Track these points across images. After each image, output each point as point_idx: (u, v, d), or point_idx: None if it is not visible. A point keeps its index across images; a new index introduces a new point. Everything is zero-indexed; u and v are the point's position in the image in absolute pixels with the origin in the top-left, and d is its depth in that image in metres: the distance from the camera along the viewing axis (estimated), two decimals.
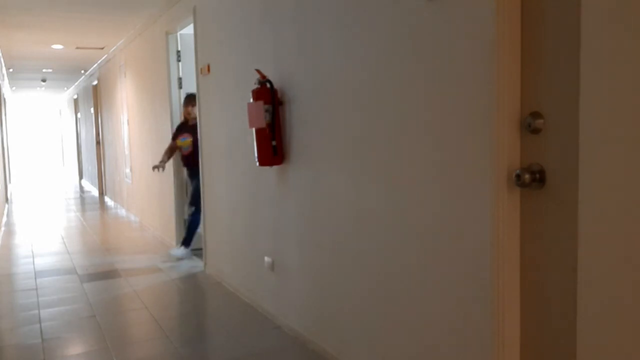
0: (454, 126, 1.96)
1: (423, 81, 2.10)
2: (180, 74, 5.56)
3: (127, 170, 8.23)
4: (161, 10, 5.54)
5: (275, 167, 3.35)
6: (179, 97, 5.61)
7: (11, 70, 10.65)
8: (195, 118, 5.04)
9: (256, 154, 3.26)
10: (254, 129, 3.24)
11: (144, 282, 4.57)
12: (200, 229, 5.19)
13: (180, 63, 5.56)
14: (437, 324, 2.12)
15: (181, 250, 5.30)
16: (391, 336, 2.40)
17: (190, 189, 5.36)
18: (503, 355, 1.84)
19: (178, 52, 5.55)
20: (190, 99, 5.26)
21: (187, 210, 5.40)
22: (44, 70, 10.88)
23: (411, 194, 2.20)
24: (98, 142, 11.14)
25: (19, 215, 8.79)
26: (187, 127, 5.30)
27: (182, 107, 5.44)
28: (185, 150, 5.31)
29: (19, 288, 4.51)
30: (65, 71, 11.10)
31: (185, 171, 5.48)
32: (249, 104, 3.27)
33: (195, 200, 5.24)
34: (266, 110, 3.16)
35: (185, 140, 5.28)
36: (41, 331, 3.47)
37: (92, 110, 11.34)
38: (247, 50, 3.69)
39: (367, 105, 2.45)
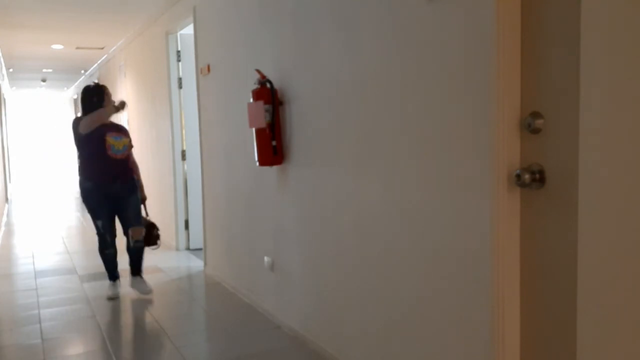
0: (454, 126, 1.96)
1: (423, 81, 2.10)
2: (180, 74, 5.56)
3: None
4: (161, 10, 5.54)
5: (275, 167, 3.35)
6: (179, 97, 5.61)
7: (11, 70, 10.66)
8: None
9: (256, 154, 3.26)
10: (254, 129, 3.25)
11: None
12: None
13: (180, 63, 5.56)
14: (437, 324, 2.12)
15: (147, 284, 4.24)
16: (390, 335, 2.40)
17: (128, 207, 4.12)
18: (503, 356, 1.84)
19: (178, 52, 5.56)
20: (105, 89, 4.08)
21: (135, 235, 4.13)
22: (44, 70, 10.88)
23: (411, 194, 2.20)
24: None
25: (19, 215, 8.78)
26: (107, 125, 4.02)
27: (104, 99, 4.02)
28: (118, 153, 3.99)
29: (19, 288, 4.51)
30: (65, 71, 11.11)
31: (109, 184, 4.01)
32: (249, 104, 3.27)
33: (139, 218, 4.20)
34: (266, 110, 3.16)
35: (121, 140, 4.01)
36: (41, 331, 3.47)
37: None
38: (247, 50, 3.69)
39: (367, 105, 2.45)
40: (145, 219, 4.32)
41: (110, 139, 3.96)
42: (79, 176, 4.07)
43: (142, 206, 4.29)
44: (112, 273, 4.23)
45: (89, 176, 4.00)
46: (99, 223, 4.06)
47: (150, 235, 4.34)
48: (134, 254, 4.23)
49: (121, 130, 4.11)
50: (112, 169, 4.00)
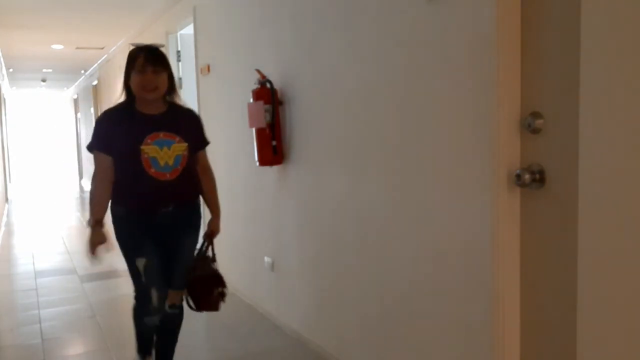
0: (454, 126, 1.96)
1: (423, 81, 2.10)
2: (180, 74, 5.56)
3: None
4: (161, 10, 5.53)
5: (275, 167, 3.35)
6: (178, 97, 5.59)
7: (11, 70, 10.65)
8: (159, 95, 2.44)
9: (256, 154, 3.26)
10: (254, 129, 3.25)
11: None
12: None
13: (180, 63, 5.56)
14: (437, 324, 2.12)
15: None
16: (390, 335, 2.40)
17: (177, 253, 2.52)
18: (503, 356, 1.84)
19: (178, 52, 5.55)
20: (150, 56, 2.41)
21: (172, 299, 2.55)
22: (44, 70, 10.88)
23: (411, 194, 2.20)
24: None
25: (19, 215, 8.78)
26: (151, 119, 2.41)
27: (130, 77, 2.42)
28: (168, 171, 2.37)
29: (19, 288, 4.51)
30: (65, 71, 11.10)
31: (155, 212, 2.42)
32: (249, 104, 3.27)
33: (183, 279, 2.54)
34: (266, 110, 3.16)
35: (172, 147, 2.39)
36: (41, 331, 3.46)
37: (92, 110, 11.34)
38: (247, 50, 3.69)
39: (367, 105, 2.45)
40: (208, 265, 2.61)
41: (151, 148, 2.34)
42: (111, 200, 2.47)
43: (208, 245, 2.64)
44: (145, 347, 2.65)
45: (121, 200, 2.44)
46: (140, 264, 2.41)
47: (209, 294, 2.60)
48: (166, 328, 2.61)
49: (177, 128, 2.44)
50: (159, 195, 2.42)
